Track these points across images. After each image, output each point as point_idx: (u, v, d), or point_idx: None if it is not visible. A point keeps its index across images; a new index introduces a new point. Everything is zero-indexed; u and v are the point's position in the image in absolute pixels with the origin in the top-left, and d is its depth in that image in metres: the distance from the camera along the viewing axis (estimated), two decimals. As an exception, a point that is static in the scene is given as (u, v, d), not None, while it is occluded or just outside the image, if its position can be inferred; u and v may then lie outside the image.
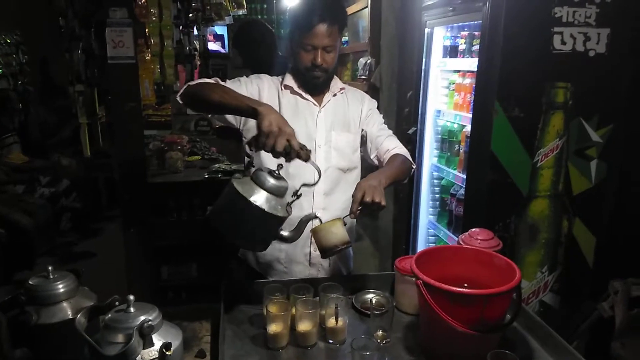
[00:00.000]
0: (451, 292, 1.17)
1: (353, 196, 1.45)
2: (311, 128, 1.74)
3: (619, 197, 2.17)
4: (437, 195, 2.98)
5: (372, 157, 1.85)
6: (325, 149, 1.76)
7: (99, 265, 4.03)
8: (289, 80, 1.77)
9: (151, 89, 3.30)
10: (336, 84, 1.83)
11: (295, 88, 1.76)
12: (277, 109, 1.64)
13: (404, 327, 1.43)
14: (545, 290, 2.20)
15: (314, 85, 1.75)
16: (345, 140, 1.79)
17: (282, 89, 1.77)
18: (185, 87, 1.61)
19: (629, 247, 2.12)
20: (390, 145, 1.80)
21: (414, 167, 1.84)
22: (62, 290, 1.16)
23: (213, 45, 5.26)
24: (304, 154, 1.35)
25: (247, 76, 1.79)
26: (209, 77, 1.64)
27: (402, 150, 1.80)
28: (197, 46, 3.57)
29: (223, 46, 5.50)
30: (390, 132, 1.88)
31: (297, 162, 1.43)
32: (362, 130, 1.84)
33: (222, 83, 1.64)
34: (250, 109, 1.39)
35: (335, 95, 1.81)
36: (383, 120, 1.90)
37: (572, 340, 2.06)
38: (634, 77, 2.07)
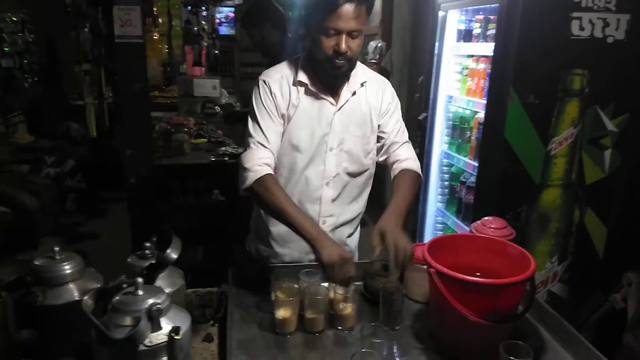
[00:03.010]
0: (464, 281, 1.15)
1: (373, 243, 1.43)
2: (325, 130, 1.57)
3: (632, 188, 2.14)
4: (446, 183, 2.94)
5: (380, 159, 1.71)
6: (337, 152, 1.59)
7: (104, 246, 4.03)
8: (302, 75, 1.56)
9: (158, 70, 3.26)
10: (356, 77, 1.60)
11: (310, 86, 1.55)
12: (292, 115, 1.55)
13: (413, 315, 1.42)
14: (554, 280, 2.18)
15: (335, 77, 1.54)
16: (360, 143, 1.62)
17: (294, 86, 1.56)
18: (252, 182, 1.46)
19: (641, 238, 2.09)
20: (402, 155, 1.65)
21: (422, 179, 1.72)
22: (68, 271, 1.15)
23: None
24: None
25: (257, 85, 1.58)
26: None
27: (414, 164, 1.65)
28: (206, 27, 3.53)
29: (231, 27, 5.45)
30: (406, 137, 1.71)
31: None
32: (379, 127, 1.66)
33: (273, 179, 1.48)
34: (306, 238, 1.39)
35: (354, 94, 1.60)
36: (401, 115, 1.72)
37: (580, 331, 2.03)
38: (652, 66, 2.02)
